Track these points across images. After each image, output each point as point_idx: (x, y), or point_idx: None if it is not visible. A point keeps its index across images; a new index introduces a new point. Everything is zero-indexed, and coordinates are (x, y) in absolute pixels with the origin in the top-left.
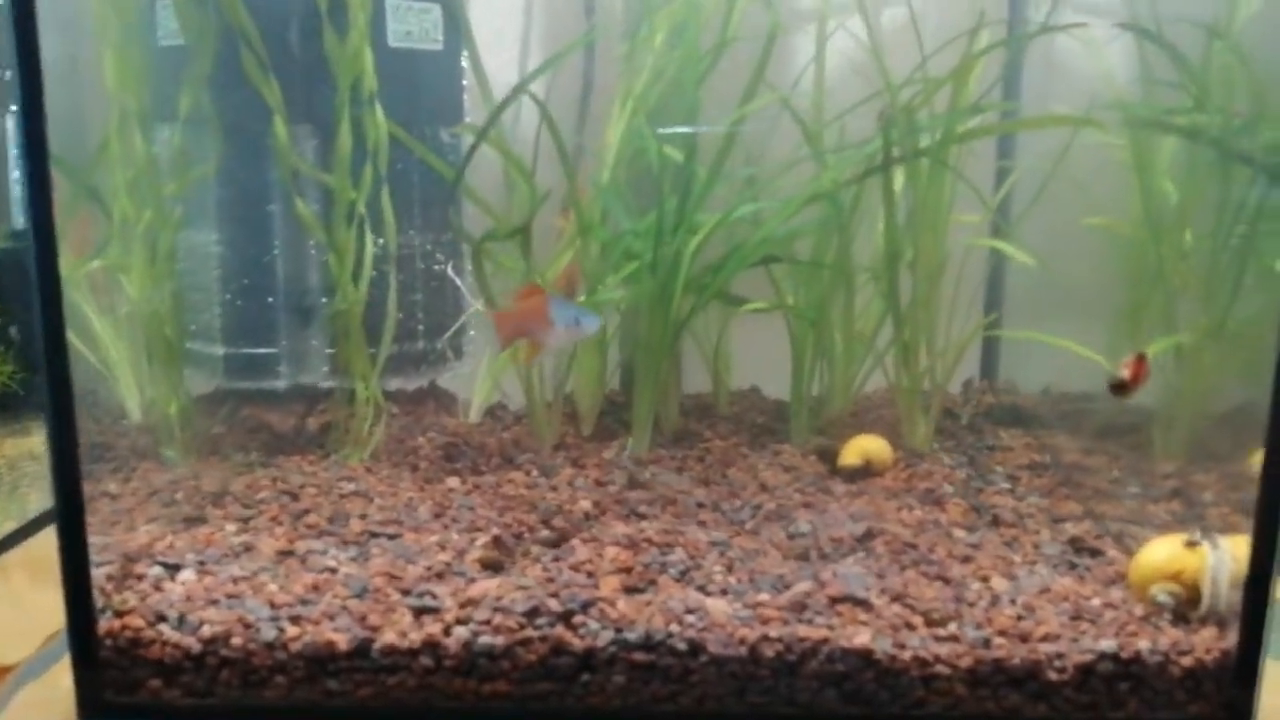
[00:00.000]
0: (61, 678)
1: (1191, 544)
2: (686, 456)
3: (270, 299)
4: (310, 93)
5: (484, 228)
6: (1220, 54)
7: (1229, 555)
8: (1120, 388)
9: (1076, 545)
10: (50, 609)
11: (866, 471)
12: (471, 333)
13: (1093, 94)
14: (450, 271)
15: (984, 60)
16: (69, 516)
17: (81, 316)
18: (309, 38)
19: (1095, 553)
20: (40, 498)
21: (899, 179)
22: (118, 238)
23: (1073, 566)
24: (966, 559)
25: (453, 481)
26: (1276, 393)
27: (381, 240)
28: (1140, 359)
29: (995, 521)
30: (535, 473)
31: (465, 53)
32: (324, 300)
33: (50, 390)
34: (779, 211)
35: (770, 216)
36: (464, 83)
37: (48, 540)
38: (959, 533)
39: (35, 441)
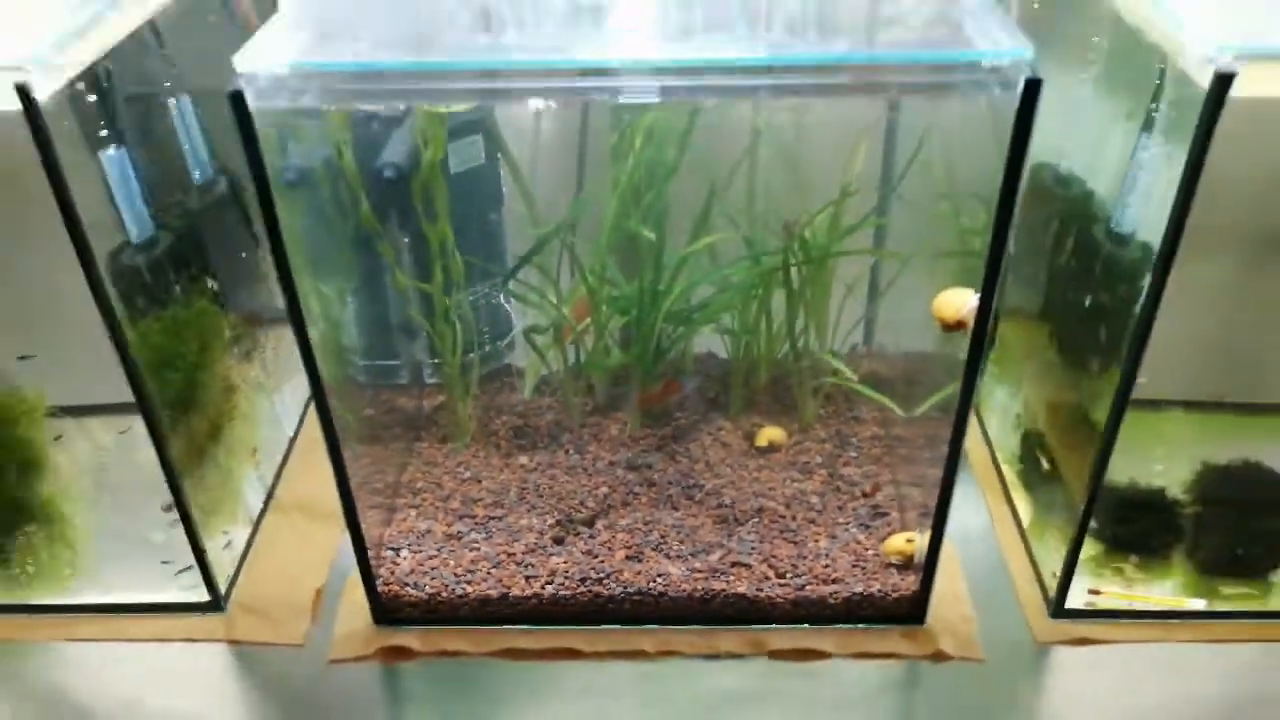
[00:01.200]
0: (355, 591)
1: (910, 540)
2: (664, 435)
3: (389, 333)
4: (404, 217)
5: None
6: None
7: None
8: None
9: (875, 510)
10: (324, 537)
11: (772, 449)
12: (518, 331)
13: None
14: (503, 300)
15: (865, 160)
16: (355, 531)
17: None
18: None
19: (884, 514)
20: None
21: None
22: None
23: (867, 527)
24: (812, 522)
25: (524, 459)
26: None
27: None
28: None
29: (838, 490)
30: (572, 450)
31: (501, 158)
32: (424, 331)
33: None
34: (719, 299)
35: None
36: (501, 172)
37: (303, 473)
38: (814, 499)
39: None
